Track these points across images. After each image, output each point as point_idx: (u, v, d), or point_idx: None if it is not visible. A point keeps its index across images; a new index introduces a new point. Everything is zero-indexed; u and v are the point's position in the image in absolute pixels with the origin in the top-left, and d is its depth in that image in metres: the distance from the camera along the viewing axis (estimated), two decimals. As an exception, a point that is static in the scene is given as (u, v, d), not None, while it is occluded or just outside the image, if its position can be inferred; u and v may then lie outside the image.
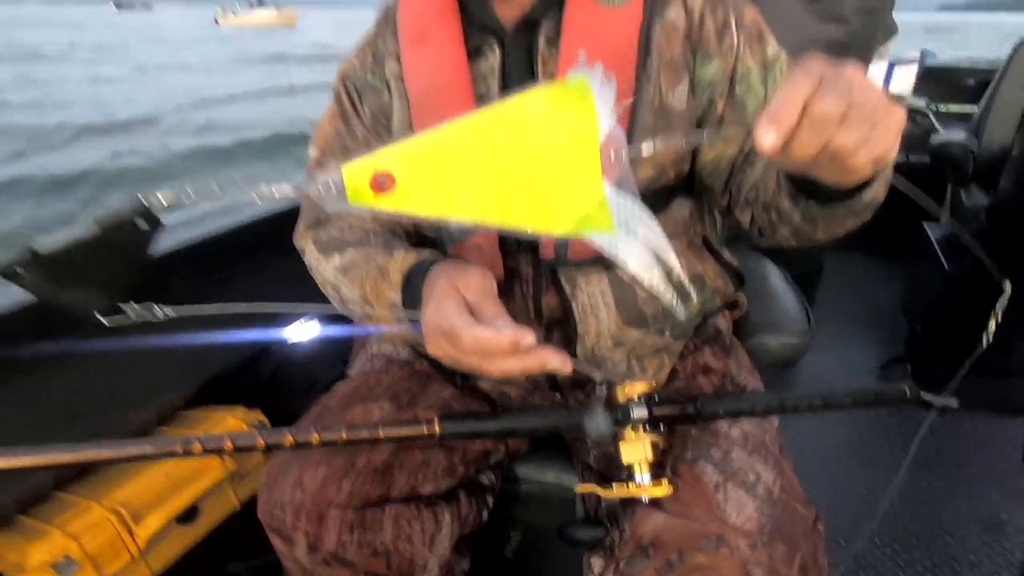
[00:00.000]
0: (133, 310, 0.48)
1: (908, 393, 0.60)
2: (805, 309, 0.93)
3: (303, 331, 1.24)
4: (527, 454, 0.83)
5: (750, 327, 0.89)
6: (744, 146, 0.66)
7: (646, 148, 0.42)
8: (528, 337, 0.51)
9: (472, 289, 0.56)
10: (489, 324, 0.53)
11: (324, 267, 0.72)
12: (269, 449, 0.60)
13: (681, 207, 0.73)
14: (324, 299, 0.77)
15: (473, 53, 0.68)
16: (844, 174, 0.41)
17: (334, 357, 1.16)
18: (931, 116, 2.52)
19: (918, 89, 2.77)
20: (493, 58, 0.68)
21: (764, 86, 0.66)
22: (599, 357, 0.72)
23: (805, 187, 0.52)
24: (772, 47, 0.68)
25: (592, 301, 0.70)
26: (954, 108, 2.62)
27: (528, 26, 0.67)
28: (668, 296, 0.46)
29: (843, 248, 1.84)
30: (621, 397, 0.65)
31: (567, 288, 0.70)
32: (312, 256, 0.74)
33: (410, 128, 0.71)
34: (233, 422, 1.15)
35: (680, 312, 0.63)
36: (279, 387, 1.24)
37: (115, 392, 1.11)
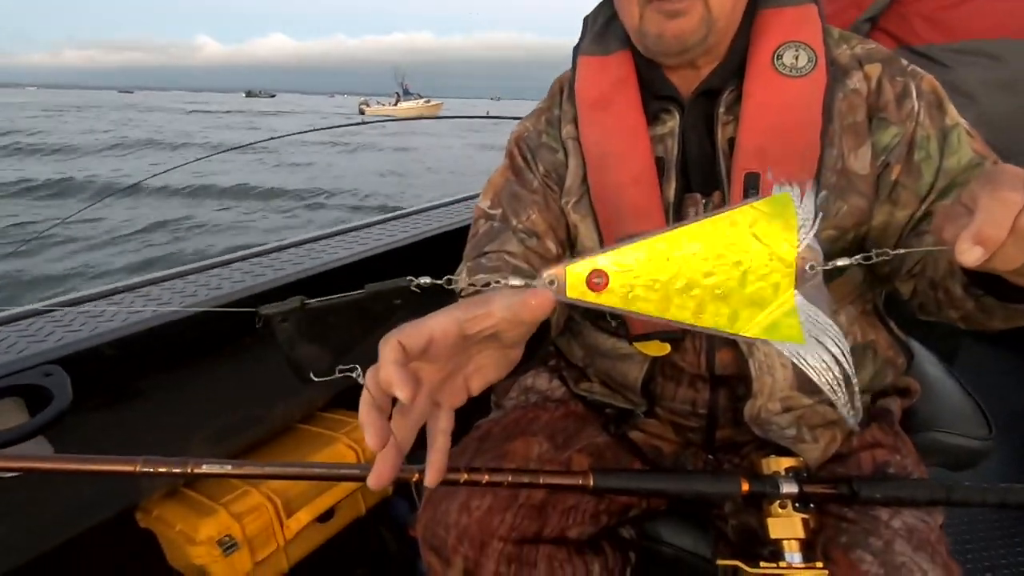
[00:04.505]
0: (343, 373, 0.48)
1: None
2: (980, 407, 0.87)
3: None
4: (664, 513, 0.84)
5: (919, 421, 0.85)
6: (916, 214, 0.67)
7: (841, 262, 0.44)
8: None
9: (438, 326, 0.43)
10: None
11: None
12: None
13: (855, 272, 0.73)
14: None
15: (651, 118, 0.73)
16: None
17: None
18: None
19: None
20: (672, 122, 0.73)
21: (940, 154, 0.67)
22: (764, 420, 0.71)
23: (984, 281, 0.52)
24: (951, 115, 0.68)
25: (769, 360, 0.70)
26: None
27: (706, 94, 0.71)
28: (842, 403, 0.46)
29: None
30: (766, 470, 0.65)
31: (744, 345, 0.70)
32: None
33: (584, 183, 0.76)
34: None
35: (850, 418, 0.55)
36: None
37: (262, 386, 1.23)
